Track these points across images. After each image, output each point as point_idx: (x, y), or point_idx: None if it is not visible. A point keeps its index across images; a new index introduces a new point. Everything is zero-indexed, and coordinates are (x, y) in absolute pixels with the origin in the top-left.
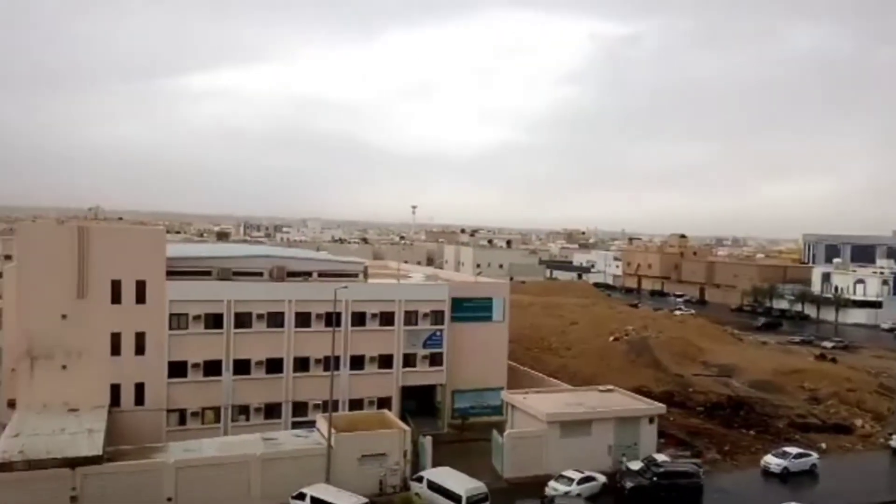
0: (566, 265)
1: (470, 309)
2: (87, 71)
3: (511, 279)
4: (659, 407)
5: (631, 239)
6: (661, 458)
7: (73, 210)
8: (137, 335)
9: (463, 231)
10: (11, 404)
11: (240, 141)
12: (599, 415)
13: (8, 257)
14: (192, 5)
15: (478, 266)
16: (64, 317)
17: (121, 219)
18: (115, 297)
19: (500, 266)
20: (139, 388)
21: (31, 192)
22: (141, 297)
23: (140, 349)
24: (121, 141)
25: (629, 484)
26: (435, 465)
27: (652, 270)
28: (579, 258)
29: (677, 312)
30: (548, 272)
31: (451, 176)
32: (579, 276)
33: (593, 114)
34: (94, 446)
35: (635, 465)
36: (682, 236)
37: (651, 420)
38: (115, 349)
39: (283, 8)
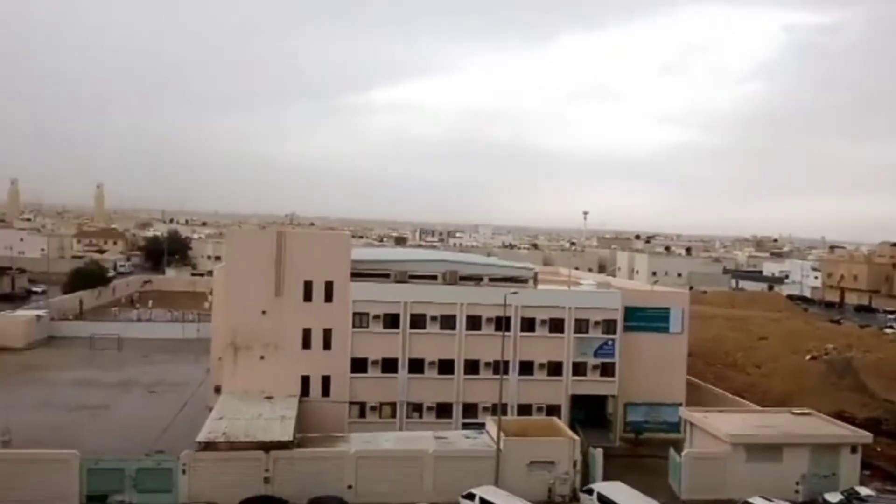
0: (755, 275)
1: (645, 318)
2: (280, 92)
3: (691, 288)
4: (864, 435)
5: (832, 247)
6: (864, 491)
7: (272, 217)
8: (325, 331)
9: (637, 237)
10: (217, 390)
11: (417, 151)
12: (792, 439)
13: (218, 258)
14: (368, 26)
15: (653, 274)
16: (263, 312)
17: (312, 224)
18: (307, 296)
19: (679, 275)
20: (325, 381)
21: (236, 200)
22: (329, 297)
23: (327, 344)
24: (312, 153)
25: None
26: (605, 478)
27: (858, 283)
28: (770, 268)
29: (888, 331)
30: (733, 282)
31: (625, 180)
32: (770, 288)
33: (785, 111)
34: (286, 432)
35: (833, 498)
36: (894, 245)
37: (854, 449)
38: (306, 343)
39: (458, 20)
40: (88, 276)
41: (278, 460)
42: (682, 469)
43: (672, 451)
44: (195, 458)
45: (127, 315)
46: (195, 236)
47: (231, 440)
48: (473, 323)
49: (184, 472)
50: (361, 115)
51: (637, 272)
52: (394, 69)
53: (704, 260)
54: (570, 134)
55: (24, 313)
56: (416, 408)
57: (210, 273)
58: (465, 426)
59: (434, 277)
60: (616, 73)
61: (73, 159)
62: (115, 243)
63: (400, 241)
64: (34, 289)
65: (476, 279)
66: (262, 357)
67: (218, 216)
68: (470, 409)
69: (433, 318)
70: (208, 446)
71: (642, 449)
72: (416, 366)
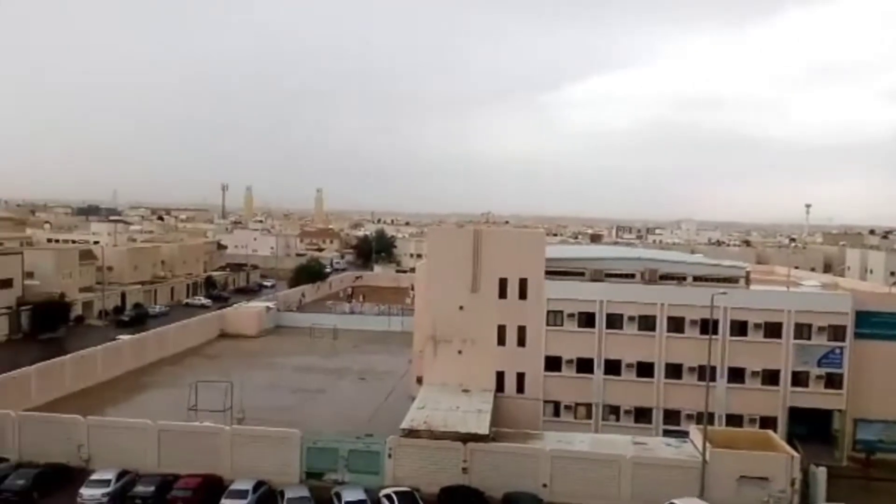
0: None
1: (882, 325)
2: (473, 93)
3: None
4: None
5: None
6: None
7: (469, 215)
8: (520, 328)
9: (872, 233)
10: (419, 380)
11: (614, 145)
12: None
13: (419, 256)
14: (565, 20)
15: (892, 274)
16: (461, 308)
17: (507, 222)
18: (502, 293)
19: None
20: (520, 377)
21: (436, 200)
22: (523, 294)
23: (521, 341)
24: (505, 152)
25: None
26: (829, 500)
27: None
28: None
29: None
30: None
31: (856, 169)
32: None
33: None
34: (482, 425)
35: None
36: None
37: None
38: (501, 339)
39: (657, 5)
40: (309, 272)
41: (475, 452)
42: None
43: None
44: (399, 444)
45: (341, 308)
46: (399, 235)
47: (432, 429)
48: (676, 324)
49: (389, 455)
50: (555, 111)
51: (871, 272)
52: (591, 61)
53: None
54: (787, 119)
55: (257, 305)
56: (613, 410)
57: (412, 270)
58: (667, 433)
59: (632, 276)
60: (846, 49)
61: (297, 166)
62: (331, 242)
63: (595, 238)
64: (265, 283)
65: (678, 278)
66: (459, 351)
67: (420, 216)
68: (671, 416)
69: (631, 319)
70: (411, 433)
71: (875, 471)
72: (613, 367)
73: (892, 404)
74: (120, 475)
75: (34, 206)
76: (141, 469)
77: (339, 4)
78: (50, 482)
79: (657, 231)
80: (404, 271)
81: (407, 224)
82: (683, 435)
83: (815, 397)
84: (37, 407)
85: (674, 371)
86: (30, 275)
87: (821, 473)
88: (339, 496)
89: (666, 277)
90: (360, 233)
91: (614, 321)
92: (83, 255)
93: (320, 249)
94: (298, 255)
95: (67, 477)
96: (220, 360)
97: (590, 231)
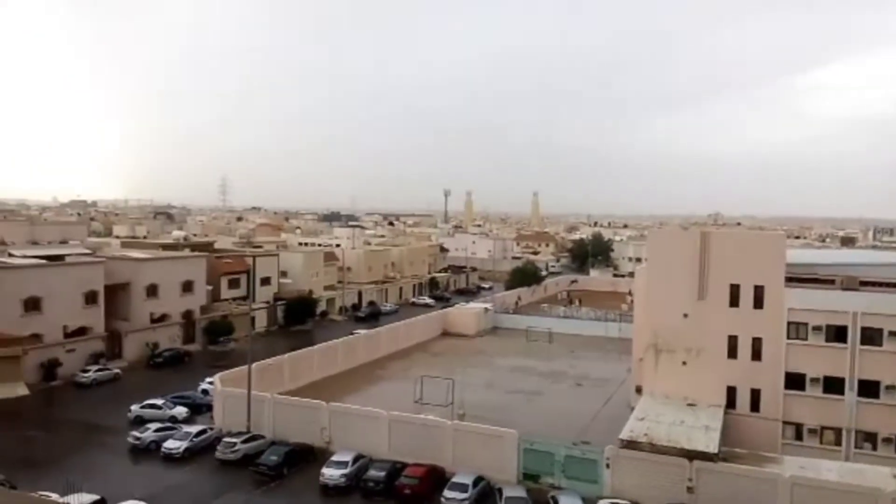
0: None
1: None
2: (702, 85)
3: None
4: None
5: None
6: None
7: (694, 217)
8: (754, 340)
9: None
10: (638, 390)
11: (875, 132)
12: None
13: (638, 260)
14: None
15: None
16: (685, 316)
17: (738, 224)
18: (733, 301)
19: None
20: (754, 394)
21: (656, 202)
22: (758, 303)
23: (756, 355)
24: (738, 147)
25: None
26: None
27: None
28: None
29: None
30: None
31: None
32: None
33: None
34: (710, 443)
35: None
36: None
37: None
38: (732, 352)
39: None
40: (525, 275)
41: (702, 471)
42: None
43: None
44: (618, 454)
45: (556, 311)
46: (617, 238)
47: (653, 442)
48: None
49: (607, 465)
50: (802, 98)
51: None
52: (843, 40)
53: None
54: None
55: (475, 306)
56: (869, 438)
57: (631, 274)
58: None
59: (894, 285)
60: None
61: (516, 169)
62: (547, 245)
63: (847, 241)
64: (483, 285)
65: None
66: (683, 362)
67: (640, 217)
68: None
69: (892, 334)
70: (630, 444)
71: None
72: (869, 388)
73: None
74: (356, 458)
75: (288, 213)
76: (373, 454)
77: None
78: (297, 460)
79: None
80: (622, 275)
81: (625, 227)
82: None
83: None
84: (288, 391)
85: None
86: (284, 274)
87: None
88: (556, 501)
89: None
90: (576, 236)
91: (872, 336)
92: (327, 256)
93: (536, 253)
94: (514, 258)
95: (311, 456)
96: (442, 357)
97: (840, 233)
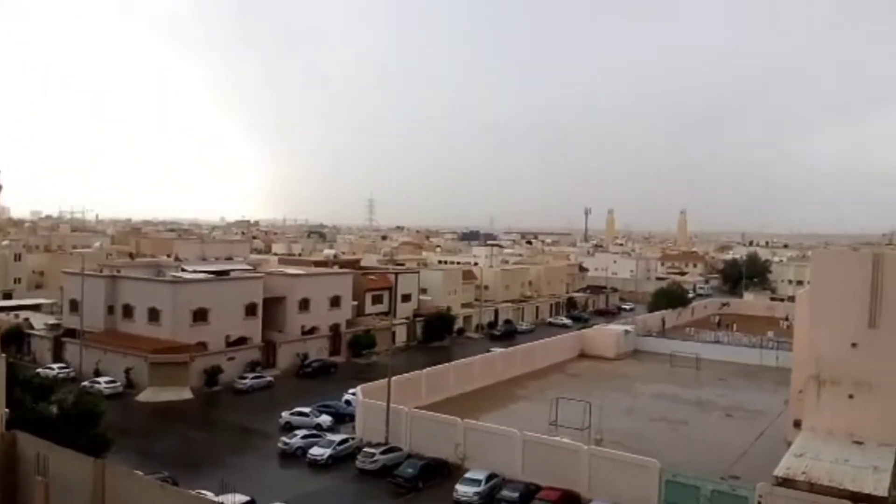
0: None
1: None
2: (876, 91)
3: None
4: None
5: None
6: None
7: (865, 236)
8: None
9: None
10: (797, 424)
11: None
12: None
13: (799, 283)
14: None
15: None
16: (854, 345)
17: None
18: None
19: None
20: None
21: (820, 220)
22: None
23: None
24: None
25: None
26: None
27: None
28: None
29: None
30: None
31: None
32: None
33: None
34: (880, 486)
35: None
36: None
37: None
38: None
39: None
40: (670, 297)
41: None
42: None
43: None
44: (772, 492)
45: (704, 336)
46: (775, 259)
47: (812, 481)
48: None
49: (759, 503)
50: None
51: None
52: None
53: None
54: None
55: (616, 327)
56: None
57: (791, 298)
58: None
59: None
60: None
61: (658, 189)
62: (694, 266)
63: None
64: (623, 306)
65: None
66: (850, 395)
67: (801, 237)
68: None
69: None
70: (786, 482)
71: None
72: None
73: None
74: (489, 477)
75: (429, 231)
76: (506, 474)
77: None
78: (432, 474)
79: None
80: (780, 299)
81: (785, 246)
82: None
83: None
84: (425, 405)
85: None
86: (423, 291)
87: None
88: None
89: None
90: (728, 256)
91: None
92: (465, 274)
93: (682, 273)
94: (658, 278)
95: (446, 471)
96: (579, 378)
97: None
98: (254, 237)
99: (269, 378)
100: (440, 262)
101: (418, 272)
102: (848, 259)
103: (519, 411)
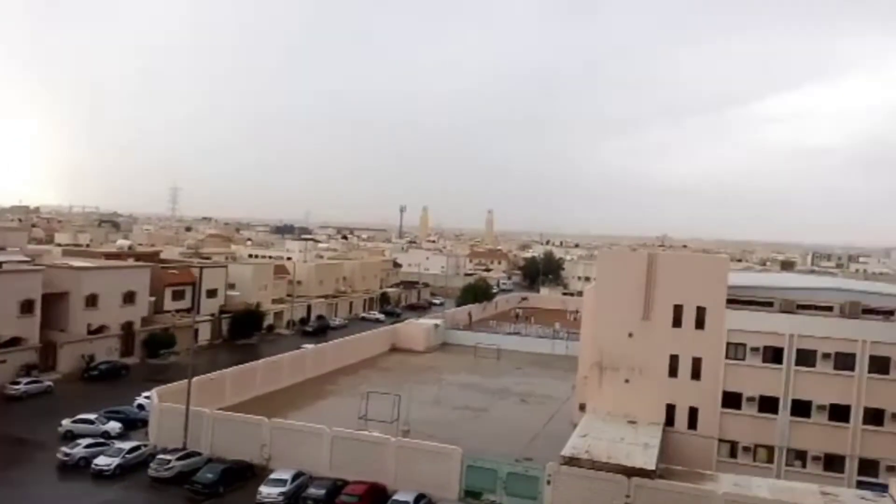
0: None
1: None
2: (654, 110)
3: None
4: None
5: None
6: None
7: (642, 238)
8: (694, 360)
9: None
10: (582, 407)
11: (816, 163)
12: None
13: (587, 279)
14: (775, 28)
15: None
16: (630, 335)
17: (685, 247)
18: (676, 321)
19: None
20: (692, 412)
21: (608, 223)
22: (700, 323)
23: (696, 374)
24: (686, 172)
25: None
26: None
27: None
28: None
29: None
30: None
31: None
32: None
33: None
34: (648, 460)
35: None
36: None
37: None
38: (673, 370)
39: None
40: (477, 292)
41: (640, 488)
42: None
43: None
44: (559, 471)
45: (505, 328)
46: (568, 257)
47: (594, 459)
48: (880, 364)
49: (548, 482)
50: (752, 126)
51: None
52: (794, 71)
53: None
54: None
55: (426, 322)
56: (799, 456)
57: (580, 293)
58: (861, 485)
59: (829, 309)
60: None
61: (473, 189)
62: (499, 262)
63: (786, 265)
64: (434, 300)
65: (885, 313)
66: (626, 380)
67: (590, 238)
68: (868, 466)
69: (825, 356)
70: (572, 461)
71: None
72: (802, 408)
73: None
74: (295, 476)
75: (239, 224)
76: (314, 472)
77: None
78: (235, 478)
79: (861, 259)
80: (571, 294)
81: (576, 246)
82: (882, 488)
83: None
84: (230, 407)
85: (874, 416)
86: (231, 286)
87: None
88: None
89: (870, 311)
90: (528, 254)
91: (806, 357)
92: (277, 269)
93: (488, 269)
94: (467, 274)
95: (250, 474)
96: (390, 372)
97: (780, 257)
98: (33, 225)
99: (47, 383)
100: (251, 256)
101: (226, 266)
102: (627, 259)
103: (329, 408)
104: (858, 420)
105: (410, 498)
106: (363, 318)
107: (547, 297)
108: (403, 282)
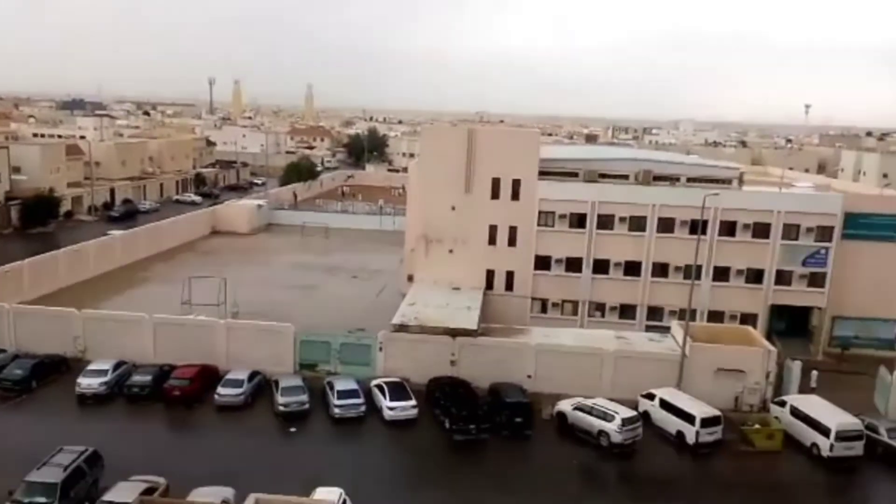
0: None
1: (869, 226)
2: None
3: None
4: None
5: None
6: None
7: (464, 114)
8: (511, 229)
9: (869, 134)
10: (410, 278)
11: (622, 45)
12: None
13: (412, 155)
14: None
15: (884, 176)
16: (453, 208)
17: (502, 121)
18: (495, 194)
19: None
20: (509, 276)
21: (428, 98)
22: (515, 195)
23: (512, 241)
24: (504, 49)
25: None
26: (802, 392)
27: None
28: None
29: None
30: None
31: (861, 68)
32: None
33: None
34: (471, 321)
35: None
36: None
37: None
38: (492, 239)
39: None
40: (300, 170)
41: (464, 346)
42: (893, 389)
43: (882, 369)
44: (390, 338)
45: (332, 206)
46: (392, 134)
47: (422, 324)
48: (665, 225)
49: (380, 349)
50: (563, 6)
51: (864, 174)
52: None
53: None
54: (791, 19)
55: (248, 202)
56: (599, 307)
57: (405, 169)
58: (649, 329)
59: (626, 177)
60: None
61: (288, 60)
62: (322, 140)
63: (591, 138)
64: (255, 181)
65: (672, 179)
66: (450, 251)
67: (413, 113)
68: (655, 313)
69: (622, 220)
70: (402, 328)
71: (847, 365)
72: (601, 266)
73: (869, 302)
74: (117, 366)
75: (17, 98)
76: (137, 360)
77: None
78: (48, 372)
79: (654, 131)
80: (397, 170)
81: (400, 122)
82: (665, 330)
83: (797, 295)
84: (31, 300)
85: (660, 270)
86: (16, 170)
87: (795, 367)
88: (331, 385)
89: (660, 178)
90: (352, 131)
91: (606, 222)
92: (70, 149)
93: (311, 147)
94: (289, 152)
95: (64, 367)
96: (212, 256)
97: (586, 131)
98: None
99: None
100: (36, 135)
101: (7, 147)
102: (448, 134)
103: (145, 296)
104: (648, 274)
105: (244, 376)
106: (177, 201)
107: (373, 174)
108: (219, 161)
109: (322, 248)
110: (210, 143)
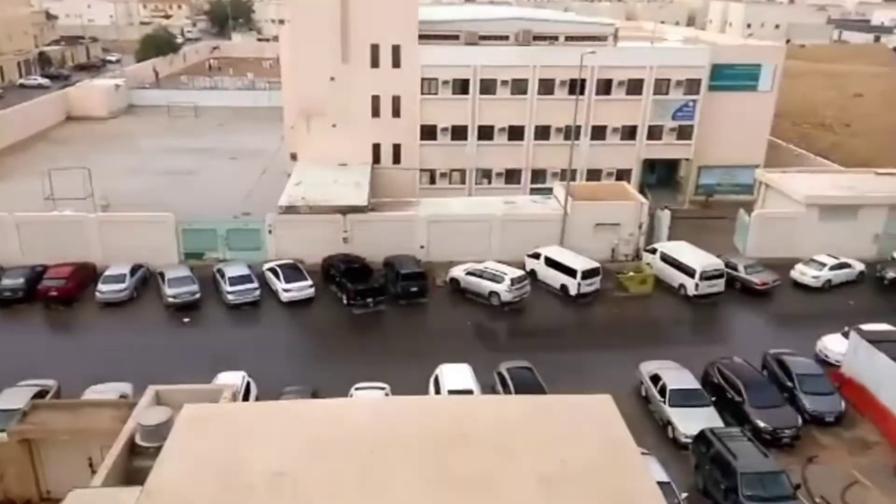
0: (861, 25)
1: (732, 77)
2: None
3: (788, 42)
4: None
5: None
6: None
7: None
8: (394, 98)
9: None
10: (293, 157)
11: None
12: (870, 200)
13: (282, 22)
14: None
15: (748, 27)
16: (332, 79)
17: None
18: (374, 62)
19: (777, 27)
20: (396, 149)
21: None
22: (396, 62)
23: (396, 112)
24: None
25: (891, 274)
26: (671, 239)
27: None
28: (880, 16)
29: None
30: (835, 34)
31: None
32: (876, 39)
33: None
34: (361, 198)
35: None
36: None
37: None
38: (376, 111)
39: None
40: (159, 43)
41: (355, 223)
42: (750, 229)
43: (741, 211)
44: (279, 220)
45: (200, 83)
46: None
47: (311, 204)
48: (546, 87)
49: (270, 232)
50: None
51: (731, 24)
52: None
53: (808, 9)
54: None
55: (104, 82)
56: (486, 174)
57: (276, 38)
58: (534, 192)
59: (506, 38)
60: None
61: None
62: (179, 8)
63: None
64: (108, 58)
65: (551, 38)
66: (333, 125)
67: None
68: (539, 175)
69: (504, 83)
70: (290, 209)
71: (712, 211)
72: (486, 133)
73: (731, 152)
74: None
75: None
76: (4, 263)
77: None
78: None
79: None
80: (267, 40)
81: None
82: (549, 192)
83: (667, 148)
84: None
85: (543, 133)
86: None
87: (665, 216)
88: (221, 273)
89: (540, 38)
90: None
91: (488, 86)
92: None
93: (168, 17)
94: (143, 23)
95: None
96: (70, 145)
97: None
98: None
99: None
100: None
101: None
102: None
103: (2, 192)
104: (531, 138)
105: (125, 270)
106: (21, 86)
107: (241, 44)
108: (64, 37)
109: (193, 130)
110: (50, 17)
